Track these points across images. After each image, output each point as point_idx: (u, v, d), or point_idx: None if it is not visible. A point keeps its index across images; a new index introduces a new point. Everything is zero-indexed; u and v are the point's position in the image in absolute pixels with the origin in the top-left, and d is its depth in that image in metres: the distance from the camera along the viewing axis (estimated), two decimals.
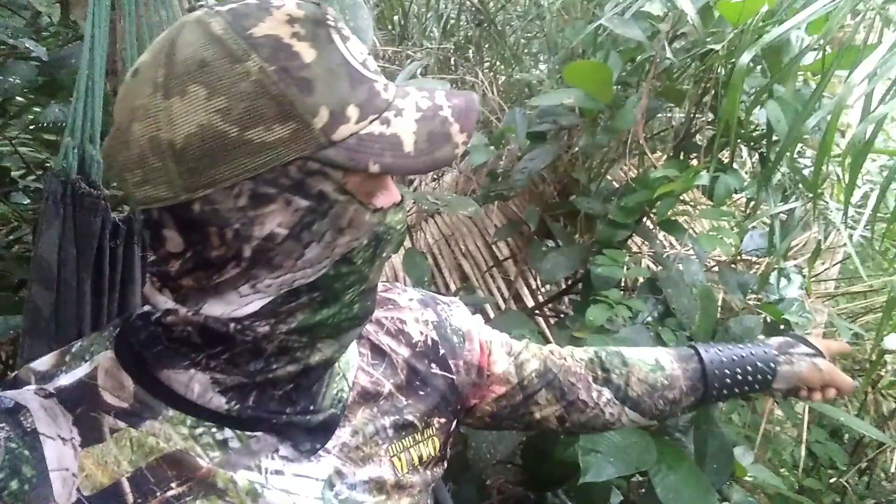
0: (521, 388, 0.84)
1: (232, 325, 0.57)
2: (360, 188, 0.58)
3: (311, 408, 0.64)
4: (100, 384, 0.59)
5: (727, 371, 0.90)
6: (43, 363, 0.62)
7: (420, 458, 0.73)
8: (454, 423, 0.80)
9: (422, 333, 0.77)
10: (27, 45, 1.22)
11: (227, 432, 0.61)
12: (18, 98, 1.49)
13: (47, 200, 0.79)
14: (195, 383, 0.59)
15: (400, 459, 0.71)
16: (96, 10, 0.78)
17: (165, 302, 0.58)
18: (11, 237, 2.02)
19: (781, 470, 2.33)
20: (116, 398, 0.59)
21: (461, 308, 0.84)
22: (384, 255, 0.63)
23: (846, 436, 2.58)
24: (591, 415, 0.87)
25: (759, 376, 0.91)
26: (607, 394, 0.87)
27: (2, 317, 1.09)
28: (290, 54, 0.52)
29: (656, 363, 0.90)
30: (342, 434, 0.67)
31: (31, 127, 1.49)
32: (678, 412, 0.93)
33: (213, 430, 0.60)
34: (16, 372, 0.62)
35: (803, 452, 2.06)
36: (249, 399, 0.61)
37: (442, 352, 0.77)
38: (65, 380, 0.59)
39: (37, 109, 1.43)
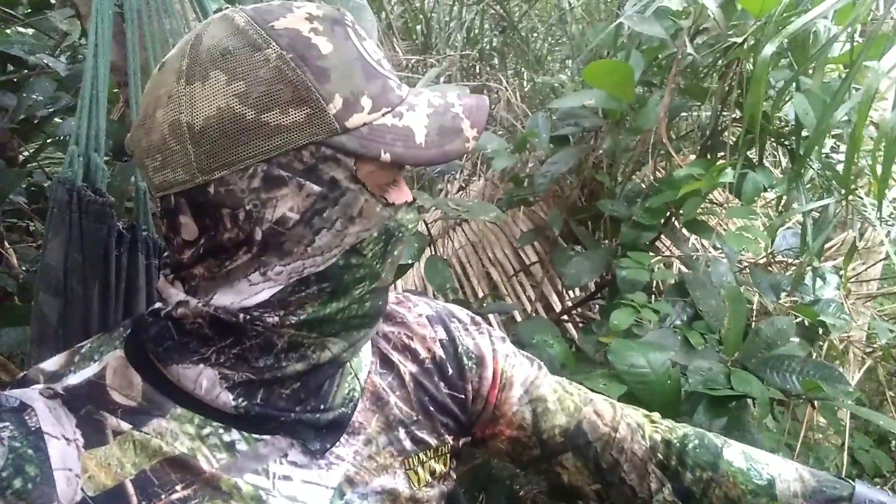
0: (539, 441, 0.75)
1: (241, 315, 0.57)
2: (372, 179, 0.58)
3: (321, 406, 0.64)
4: (108, 383, 0.59)
5: None
6: (52, 363, 0.62)
7: (433, 473, 0.72)
8: (462, 445, 0.76)
9: (429, 351, 0.75)
10: (46, 62, 1.25)
11: (235, 434, 0.60)
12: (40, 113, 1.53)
13: (53, 209, 0.80)
14: (203, 378, 0.59)
15: (416, 473, 0.70)
16: (99, 21, 0.79)
17: (177, 294, 0.59)
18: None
19: None
20: (125, 397, 0.59)
21: (485, 333, 0.78)
22: (395, 253, 0.63)
23: (893, 443, 2.47)
24: None
25: None
26: (667, 492, 0.70)
27: (25, 327, 1.11)
28: (309, 45, 0.55)
29: (768, 484, 0.68)
30: (355, 442, 0.66)
31: (49, 141, 1.53)
32: None
33: (221, 431, 0.60)
34: (24, 372, 0.63)
35: (846, 460, 1.97)
36: (257, 397, 0.60)
37: (450, 371, 0.74)
38: (73, 379, 0.59)
39: (59, 120, 1.47)
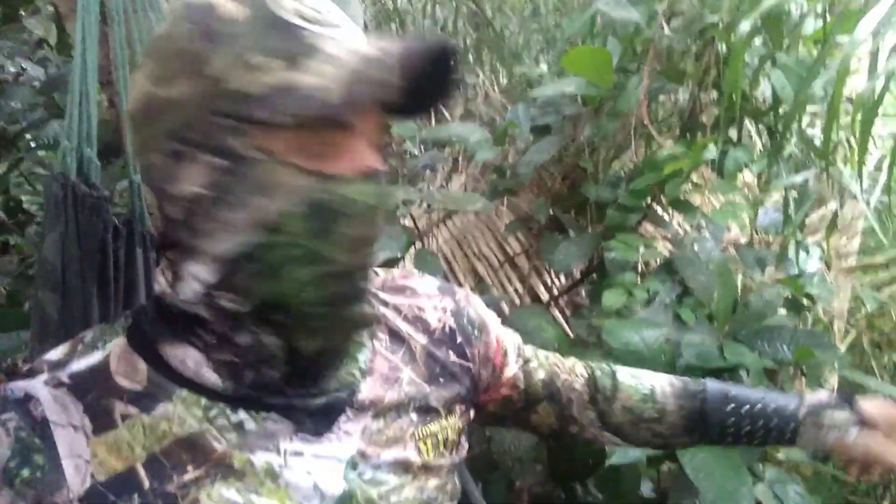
0: (525, 394, 0.83)
1: (203, 301, 0.57)
2: (293, 146, 0.53)
3: (313, 390, 0.62)
4: (112, 369, 0.59)
5: (733, 419, 0.82)
6: (55, 353, 0.61)
7: (444, 441, 0.72)
8: (472, 413, 0.78)
9: (439, 321, 0.74)
10: (24, 67, 1.23)
11: (242, 414, 0.59)
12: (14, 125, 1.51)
13: (48, 204, 0.80)
14: (189, 359, 0.59)
15: (426, 444, 0.69)
16: (85, 15, 0.79)
17: (163, 284, 0.60)
18: (28, 269, 2.04)
19: None
20: (130, 381, 0.58)
21: (477, 300, 0.81)
22: (347, 231, 0.55)
23: None
24: (578, 431, 0.86)
25: (775, 434, 0.82)
26: (591, 415, 0.85)
27: (15, 332, 1.10)
28: (213, 12, 0.53)
29: (650, 393, 0.85)
30: (364, 418, 0.65)
31: (33, 145, 1.51)
32: (677, 445, 0.89)
33: (228, 411, 0.59)
34: (30, 365, 0.62)
35: None
36: (245, 377, 0.59)
37: (459, 340, 0.75)
38: (77, 365, 0.59)
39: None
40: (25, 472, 0.52)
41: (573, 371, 0.86)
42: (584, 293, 2.29)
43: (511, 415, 0.85)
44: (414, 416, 0.69)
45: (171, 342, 0.59)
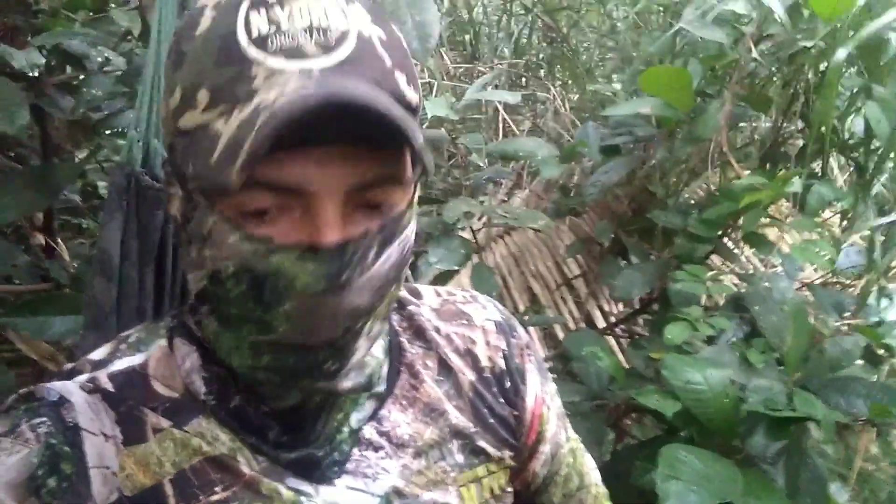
0: (526, 501, 0.73)
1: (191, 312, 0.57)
2: (227, 200, 0.46)
3: (284, 439, 0.56)
4: (151, 373, 0.58)
5: None
6: (98, 353, 0.61)
7: (492, 490, 0.66)
8: (514, 464, 0.70)
9: (490, 360, 0.68)
10: (107, 56, 1.27)
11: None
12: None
13: (111, 193, 0.80)
14: (188, 360, 0.57)
15: (469, 490, 0.64)
16: (163, 6, 0.79)
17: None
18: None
19: None
20: (167, 388, 0.57)
21: (534, 364, 0.72)
22: (283, 306, 0.48)
23: None
24: None
25: None
26: None
27: (74, 316, 1.12)
28: (194, 23, 0.49)
29: None
30: (404, 455, 0.61)
31: (108, 133, 1.55)
32: None
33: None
34: (72, 364, 0.61)
35: None
36: (231, 400, 0.56)
37: (507, 385, 0.68)
38: (117, 366, 0.58)
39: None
40: (52, 482, 0.50)
41: None
42: (641, 322, 2.21)
43: None
44: (459, 457, 0.64)
45: (184, 338, 0.59)
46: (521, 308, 2.20)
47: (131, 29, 1.44)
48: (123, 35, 1.61)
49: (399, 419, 0.62)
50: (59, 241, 1.94)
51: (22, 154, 1.83)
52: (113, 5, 1.71)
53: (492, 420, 0.66)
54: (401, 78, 0.49)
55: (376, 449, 0.60)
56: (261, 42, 0.45)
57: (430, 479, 0.62)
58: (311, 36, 0.46)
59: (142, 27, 1.31)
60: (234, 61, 0.45)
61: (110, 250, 0.79)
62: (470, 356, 0.68)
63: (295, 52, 0.45)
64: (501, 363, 0.69)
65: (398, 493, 0.60)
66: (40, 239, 1.91)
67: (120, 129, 1.32)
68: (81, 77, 1.57)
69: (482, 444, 0.65)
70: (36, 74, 1.43)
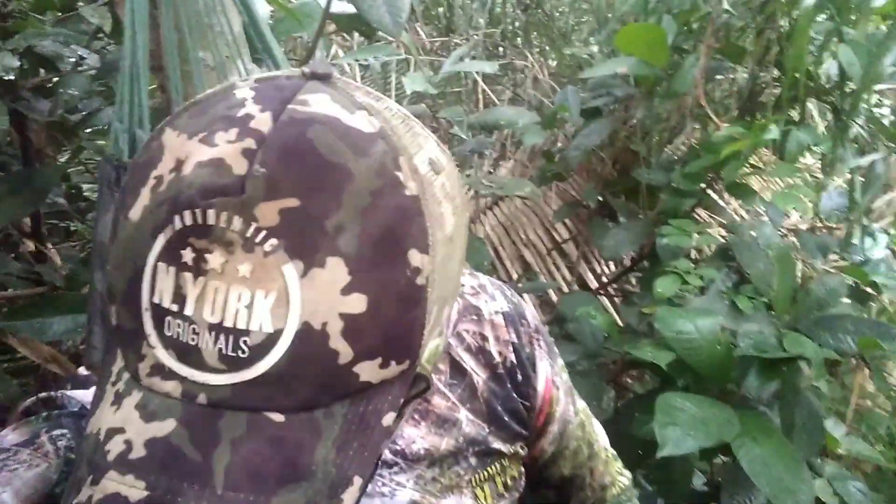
0: (535, 475, 0.74)
1: None
2: None
3: None
4: None
5: None
6: None
7: (505, 484, 0.66)
8: (525, 451, 0.71)
9: (500, 354, 0.67)
10: (80, 54, 1.27)
11: None
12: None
13: (102, 186, 0.81)
14: None
15: (483, 490, 0.64)
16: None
17: None
18: (88, 254, 2.10)
19: (877, 446, 2.18)
20: None
21: (543, 348, 0.72)
22: None
23: None
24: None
25: None
26: None
27: (74, 315, 1.13)
28: (135, 189, 0.42)
29: None
30: (418, 467, 0.60)
31: (88, 131, 1.55)
32: None
33: None
34: (86, 373, 0.60)
35: None
36: None
37: (519, 377, 0.68)
38: None
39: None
40: (72, 499, 0.51)
41: (598, 488, 0.80)
42: (634, 282, 2.24)
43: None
44: (473, 460, 0.63)
45: None
46: (515, 276, 2.23)
47: (102, 26, 1.43)
48: (94, 33, 1.60)
49: (412, 434, 0.60)
50: (49, 245, 1.94)
51: (2, 161, 1.82)
52: (81, 3, 1.70)
53: (506, 417, 0.66)
54: (366, 367, 0.39)
55: (390, 466, 0.59)
56: (159, 316, 0.38)
57: (445, 486, 0.61)
58: (215, 340, 0.37)
59: (113, 23, 1.31)
60: (133, 312, 0.39)
61: (107, 243, 0.79)
62: (482, 354, 0.66)
63: (190, 356, 0.37)
64: (512, 357, 0.68)
65: None
66: (30, 245, 1.91)
67: (101, 127, 1.32)
68: (56, 80, 1.56)
69: (496, 445, 0.65)
70: (12, 78, 1.42)
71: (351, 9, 1.06)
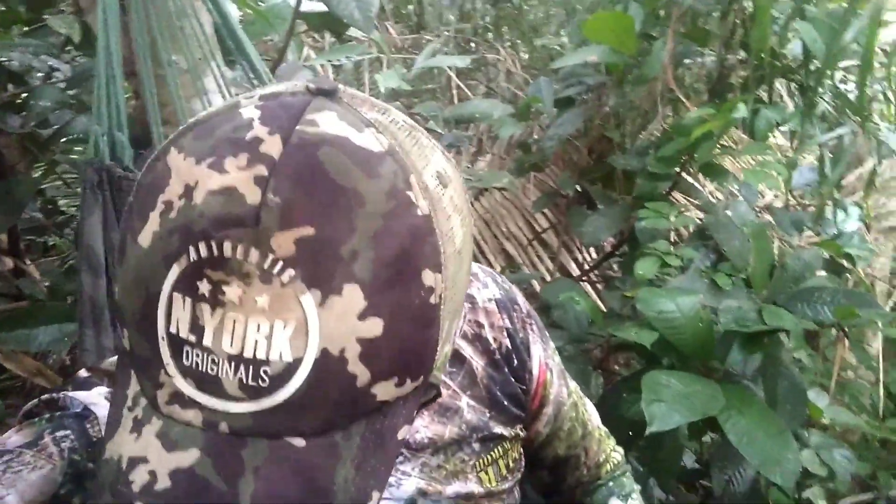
0: (530, 456, 0.76)
1: None
2: None
3: None
4: None
5: None
6: (109, 363, 0.60)
7: (508, 465, 0.68)
8: (524, 433, 0.73)
9: (496, 340, 0.69)
10: (50, 64, 1.26)
11: None
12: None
13: (85, 190, 0.81)
14: None
15: (487, 473, 0.65)
16: (105, 3, 0.80)
17: None
18: (68, 267, 2.08)
19: (861, 416, 2.23)
20: None
21: (536, 332, 0.74)
22: None
23: None
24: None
25: None
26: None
27: (56, 325, 1.12)
28: (143, 211, 0.42)
29: None
30: (423, 455, 0.62)
31: (63, 140, 1.54)
32: None
33: None
34: (86, 374, 0.60)
35: (882, 395, 1.96)
36: None
37: (515, 362, 0.70)
38: None
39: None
40: (76, 501, 0.50)
41: (591, 465, 0.83)
42: (615, 268, 2.27)
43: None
44: (476, 445, 0.65)
45: None
46: (497, 269, 2.25)
47: (71, 35, 1.42)
48: (63, 44, 1.59)
49: (416, 424, 0.61)
50: (28, 261, 1.93)
51: None
52: (46, 16, 1.68)
53: (505, 402, 0.68)
54: (383, 387, 0.40)
55: None
56: (176, 345, 0.38)
57: (450, 472, 0.62)
58: (235, 370, 0.37)
59: (81, 32, 1.30)
60: (149, 339, 0.39)
61: (94, 245, 0.79)
62: (479, 340, 0.68)
63: (209, 385, 0.37)
64: (507, 342, 0.69)
65: (422, 493, 0.61)
66: (8, 263, 1.89)
67: (76, 136, 1.31)
68: (24, 95, 1.55)
69: (497, 429, 0.66)
70: None
71: (321, 7, 1.07)
